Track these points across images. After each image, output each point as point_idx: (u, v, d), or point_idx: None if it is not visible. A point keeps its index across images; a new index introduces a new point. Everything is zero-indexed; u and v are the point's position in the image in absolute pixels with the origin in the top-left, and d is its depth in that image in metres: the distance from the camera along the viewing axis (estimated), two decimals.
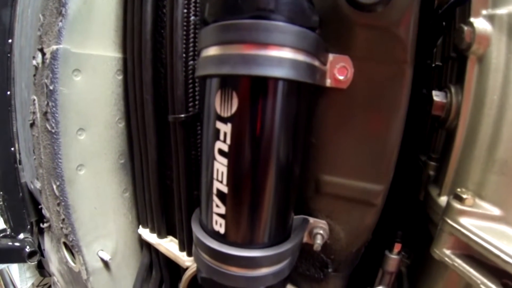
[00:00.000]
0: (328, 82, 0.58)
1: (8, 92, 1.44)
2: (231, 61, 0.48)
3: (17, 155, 1.48)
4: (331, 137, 0.63)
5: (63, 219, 0.89)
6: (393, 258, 0.80)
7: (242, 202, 0.53)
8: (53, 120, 0.84)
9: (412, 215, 0.91)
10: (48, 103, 0.84)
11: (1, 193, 1.47)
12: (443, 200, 0.65)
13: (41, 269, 1.66)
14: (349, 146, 0.62)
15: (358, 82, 0.58)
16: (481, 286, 0.53)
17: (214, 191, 0.54)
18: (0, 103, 1.43)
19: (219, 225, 0.55)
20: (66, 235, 0.91)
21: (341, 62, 0.57)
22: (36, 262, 1.61)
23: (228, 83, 0.50)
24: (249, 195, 0.52)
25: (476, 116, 0.58)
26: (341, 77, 0.58)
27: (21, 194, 1.46)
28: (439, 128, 0.74)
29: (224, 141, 0.51)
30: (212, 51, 0.51)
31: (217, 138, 0.52)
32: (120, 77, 0.94)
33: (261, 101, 0.49)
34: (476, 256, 0.56)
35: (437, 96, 0.67)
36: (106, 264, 0.96)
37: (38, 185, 1.01)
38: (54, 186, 0.87)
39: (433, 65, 0.95)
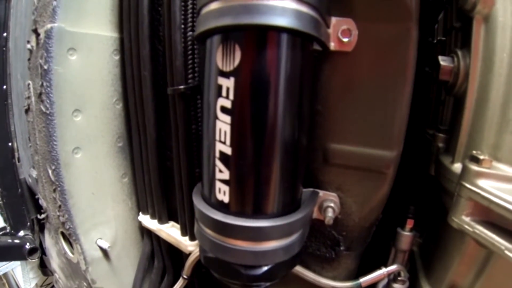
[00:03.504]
0: (332, 46, 0.55)
1: (4, 87, 1.41)
2: (233, 12, 0.45)
3: (15, 151, 1.45)
4: (338, 103, 0.60)
5: (60, 206, 0.84)
6: (406, 235, 0.76)
7: (247, 164, 0.48)
8: (48, 101, 0.80)
9: (422, 192, 0.86)
10: (42, 84, 0.81)
11: (0, 189, 1.43)
12: (457, 167, 0.61)
13: (44, 268, 1.62)
14: (356, 111, 0.59)
15: (363, 45, 0.55)
16: (506, 251, 0.49)
17: (217, 154, 0.49)
18: None
19: (223, 193, 0.50)
20: (63, 223, 0.87)
21: (344, 24, 0.54)
22: (37, 260, 1.57)
23: (230, 36, 0.47)
24: (254, 154, 0.48)
25: (487, 76, 0.55)
26: (345, 39, 0.55)
27: (20, 190, 1.42)
28: (447, 95, 0.71)
29: (227, 97, 0.47)
30: (213, 5, 0.48)
31: (219, 95, 0.48)
32: (117, 57, 0.90)
33: (265, 52, 0.46)
34: (497, 222, 0.53)
35: (444, 61, 0.64)
36: (105, 253, 0.92)
37: (34, 173, 0.97)
38: (50, 171, 0.83)
39: (435, 41, 0.93)
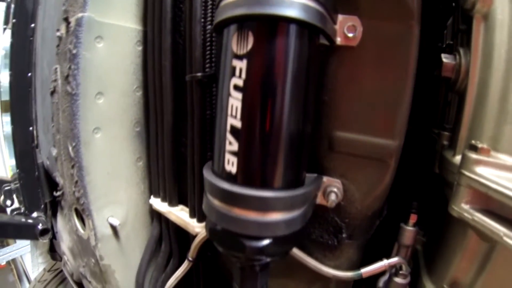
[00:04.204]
0: (338, 40, 0.60)
1: (29, 74, 1.49)
2: (248, 3, 0.51)
3: (35, 135, 1.52)
4: (343, 94, 0.64)
5: (76, 182, 0.89)
6: (409, 230, 0.78)
7: (255, 136, 0.53)
8: (74, 82, 0.86)
9: (427, 190, 0.88)
10: (70, 67, 0.87)
11: (18, 171, 1.50)
12: (458, 159, 0.64)
13: (53, 252, 1.68)
14: (360, 102, 0.63)
15: (367, 40, 0.60)
16: (504, 238, 0.51)
17: (228, 127, 0.54)
18: (21, 84, 1.48)
19: (231, 164, 0.54)
20: (78, 199, 0.92)
21: (350, 21, 0.60)
22: (48, 242, 1.62)
23: (244, 25, 0.53)
24: (261, 127, 0.52)
25: (486, 71, 0.59)
26: (350, 35, 0.60)
27: (37, 174, 1.48)
28: (450, 91, 0.75)
29: (240, 76, 0.53)
30: None
31: (233, 75, 0.54)
32: (140, 48, 0.96)
33: (274, 39, 0.52)
34: (496, 211, 0.55)
35: (446, 58, 0.69)
36: (115, 231, 0.96)
37: (54, 152, 1.03)
38: (70, 148, 0.89)
39: (444, 45, 0.96)
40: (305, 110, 0.57)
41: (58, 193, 1.07)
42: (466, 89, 0.62)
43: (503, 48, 0.56)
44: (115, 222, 0.92)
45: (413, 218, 0.77)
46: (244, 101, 0.52)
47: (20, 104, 1.49)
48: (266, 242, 0.57)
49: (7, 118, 1.94)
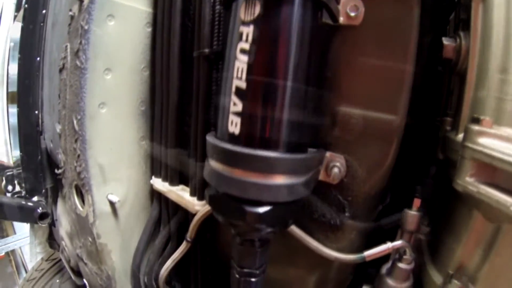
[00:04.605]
0: (341, 20, 0.62)
1: (38, 58, 1.51)
2: None
3: (40, 120, 1.53)
4: (345, 71, 0.65)
5: (79, 156, 0.90)
6: (413, 215, 0.76)
7: (258, 94, 0.54)
8: (83, 57, 0.87)
9: (431, 178, 0.88)
10: (81, 42, 0.89)
11: (21, 154, 1.51)
12: (461, 137, 0.63)
13: (52, 240, 1.67)
14: (363, 78, 0.65)
15: (369, 19, 0.61)
16: (511, 207, 0.50)
17: (233, 89, 0.55)
18: (29, 67, 1.51)
19: (234, 125, 0.55)
20: (79, 174, 0.92)
21: (352, 2, 0.61)
22: (47, 230, 1.62)
23: None
24: (265, 87, 0.53)
25: (485, 49, 0.59)
26: (352, 14, 0.61)
27: (39, 158, 1.49)
28: (451, 74, 0.76)
29: (246, 41, 0.54)
30: None
31: (240, 40, 0.55)
32: (149, 30, 0.98)
33: (279, 7, 0.54)
34: (501, 184, 0.54)
35: (447, 41, 0.70)
36: (114, 209, 0.96)
37: (58, 128, 1.04)
38: (75, 121, 0.89)
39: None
40: (307, 75, 0.57)
41: (60, 171, 1.07)
42: (467, 68, 0.64)
43: (500, 26, 0.57)
44: (115, 198, 0.92)
45: (416, 202, 0.75)
46: (249, 62, 0.53)
47: (27, 89, 1.51)
48: (267, 208, 0.56)
49: (13, 110, 1.97)
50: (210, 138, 0.60)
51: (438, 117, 0.92)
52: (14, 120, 1.99)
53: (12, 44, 2.14)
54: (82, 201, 1.00)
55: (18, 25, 1.67)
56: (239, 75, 0.54)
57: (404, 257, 0.75)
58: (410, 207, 0.77)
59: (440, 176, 0.84)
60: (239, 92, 0.54)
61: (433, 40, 0.77)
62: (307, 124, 0.61)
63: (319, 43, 0.62)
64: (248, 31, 0.54)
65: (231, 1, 0.60)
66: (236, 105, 0.54)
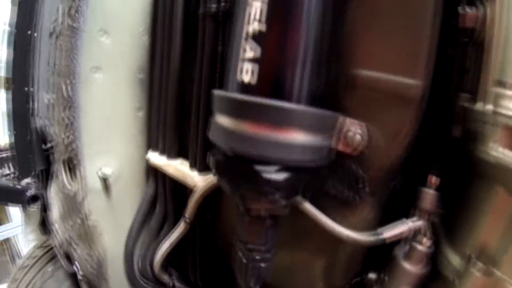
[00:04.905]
0: None
1: (29, 32, 1.42)
2: None
3: (30, 96, 1.44)
4: (364, 31, 0.59)
5: (68, 125, 0.82)
6: (430, 193, 0.68)
7: (281, 39, 0.46)
8: (77, 15, 0.79)
9: (445, 160, 0.81)
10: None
11: (14, 132, 1.42)
12: (488, 108, 0.60)
13: (44, 227, 1.59)
14: (382, 39, 0.58)
15: None
16: None
17: (251, 32, 0.47)
18: (20, 42, 1.42)
19: (251, 74, 0.47)
20: (68, 145, 0.83)
21: None
22: (39, 213, 1.54)
23: None
24: (287, 31, 0.46)
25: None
26: None
27: (29, 137, 1.40)
28: (470, 42, 0.71)
29: None
30: None
31: None
32: None
33: None
34: None
35: (469, 9, 0.65)
36: (106, 186, 0.88)
37: (46, 98, 0.95)
38: (64, 87, 0.81)
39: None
40: (330, 24, 0.51)
41: (49, 145, 0.99)
42: (491, 38, 0.61)
43: None
44: (108, 171, 0.84)
45: (435, 181, 0.68)
46: (269, 3, 0.46)
47: (20, 64, 1.42)
48: (284, 175, 0.49)
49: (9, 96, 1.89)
50: (217, 92, 0.52)
51: (451, 95, 0.87)
52: (9, 104, 1.91)
53: (9, 29, 2.06)
54: (71, 178, 0.92)
55: (15, 9, 1.59)
56: (258, 17, 0.46)
57: (424, 239, 0.69)
58: (424, 185, 0.70)
59: (454, 155, 0.79)
60: (258, 35, 0.46)
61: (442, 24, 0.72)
62: (329, 79, 0.54)
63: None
64: None
65: None
66: (253, 50, 0.46)
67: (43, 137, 1.39)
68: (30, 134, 1.43)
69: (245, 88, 0.47)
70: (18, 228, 3.14)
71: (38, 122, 1.37)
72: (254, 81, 0.47)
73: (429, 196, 0.69)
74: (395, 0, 0.57)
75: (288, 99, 0.46)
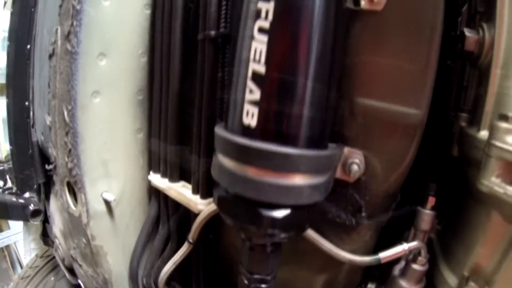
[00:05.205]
0: (363, 4, 0.56)
1: (28, 46, 1.42)
2: None
3: (31, 112, 1.45)
4: (367, 59, 0.59)
5: (70, 150, 0.82)
6: (427, 214, 0.71)
7: (281, 80, 0.46)
8: (75, 40, 0.79)
9: (443, 178, 0.82)
10: (72, 23, 0.80)
11: (11, 147, 1.42)
12: (483, 134, 0.61)
13: (46, 237, 1.60)
14: (384, 67, 0.59)
15: (392, 4, 0.55)
16: None
17: (250, 74, 0.47)
18: (19, 56, 1.41)
19: (251, 116, 0.47)
20: (70, 170, 0.84)
21: None
22: (41, 227, 1.54)
23: None
24: (288, 73, 0.45)
25: None
26: None
27: (30, 151, 1.40)
28: (472, 67, 0.73)
29: (266, 18, 0.46)
30: None
31: (257, 17, 0.47)
32: (148, 12, 0.89)
33: None
34: None
35: (470, 32, 0.66)
36: (109, 208, 0.88)
37: (48, 120, 0.95)
38: (65, 112, 0.81)
39: (458, 33, 0.94)
40: (332, 60, 0.50)
41: (51, 166, 0.99)
42: (491, 63, 0.61)
43: None
44: (110, 197, 0.84)
45: (431, 201, 0.71)
46: (270, 43, 0.45)
47: (17, 77, 1.42)
48: (285, 212, 0.49)
49: (3, 102, 1.88)
50: (219, 131, 0.52)
51: (449, 111, 0.88)
52: (5, 112, 1.90)
53: (5, 34, 2.04)
54: (75, 199, 0.93)
55: (8, 13, 1.57)
56: (257, 58, 0.46)
57: (419, 258, 0.72)
58: (422, 205, 0.73)
59: (453, 173, 0.80)
60: (257, 77, 0.46)
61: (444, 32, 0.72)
62: (329, 116, 0.54)
63: (341, 26, 0.55)
64: (267, 7, 0.46)
65: None
66: (253, 92, 0.46)
67: (43, 151, 1.39)
68: (31, 148, 1.43)
69: (246, 130, 0.47)
70: (17, 235, 3.16)
71: (39, 136, 1.37)
72: (254, 124, 0.46)
73: (426, 216, 0.72)
74: (398, 31, 0.57)
75: (290, 143, 0.46)
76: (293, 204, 0.49)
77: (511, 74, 0.57)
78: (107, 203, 0.86)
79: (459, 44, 0.70)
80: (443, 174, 0.86)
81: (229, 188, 0.51)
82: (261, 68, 0.46)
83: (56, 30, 0.92)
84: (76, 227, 0.94)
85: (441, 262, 0.75)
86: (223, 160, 0.51)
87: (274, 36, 0.45)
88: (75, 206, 0.91)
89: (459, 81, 0.85)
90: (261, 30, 0.46)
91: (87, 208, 0.85)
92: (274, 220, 0.49)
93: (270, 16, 0.46)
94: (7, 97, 1.44)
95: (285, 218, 0.50)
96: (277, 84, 0.46)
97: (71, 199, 0.93)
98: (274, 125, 0.46)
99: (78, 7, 0.79)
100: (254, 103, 0.46)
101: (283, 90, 0.46)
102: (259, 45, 0.46)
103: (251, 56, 0.47)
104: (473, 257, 0.65)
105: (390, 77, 0.59)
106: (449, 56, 0.84)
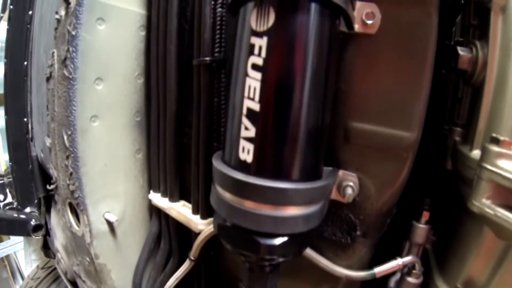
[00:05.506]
0: (356, 28, 0.56)
1: (25, 63, 1.42)
2: None
3: (29, 127, 1.46)
4: (360, 83, 0.61)
5: (71, 174, 0.83)
6: (422, 228, 0.74)
7: (275, 120, 0.47)
8: (72, 66, 0.80)
9: (438, 188, 0.84)
10: (68, 49, 0.81)
11: (11, 164, 1.43)
12: (475, 153, 0.62)
13: (46, 249, 1.61)
14: (378, 91, 0.60)
15: (386, 28, 0.56)
16: None
17: (244, 111, 0.48)
18: (16, 73, 1.42)
19: (246, 152, 0.49)
20: (72, 192, 0.85)
21: (368, 8, 0.56)
22: (40, 241, 1.56)
23: (265, 0, 0.48)
24: (282, 111, 0.47)
25: (505, 63, 0.57)
26: (369, 22, 0.56)
27: (30, 167, 1.41)
28: (465, 85, 0.73)
29: (259, 55, 0.48)
30: None
31: (251, 53, 0.49)
32: (143, 33, 0.90)
33: (297, 15, 0.47)
34: None
35: (463, 51, 0.66)
36: (111, 228, 0.90)
37: (48, 142, 0.97)
38: (65, 137, 0.82)
39: (452, 42, 0.93)
40: (326, 93, 0.52)
41: (52, 187, 1.00)
42: (484, 82, 0.61)
43: None
44: (112, 218, 0.86)
45: (425, 216, 0.73)
46: (264, 82, 0.47)
47: (15, 94, 1.43)
48: (282, 240, 0.51)
49: (1, 112, 1.88)
50: (217, 164, 0.54)
51: (443, 123, 0.89)
52: (2, 122, 1.90)
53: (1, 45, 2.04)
54: (77, 218, 0.94)
55: (4, 24, 1.58)
56: (251, 95, 0.47)
57: (413, 271, 0.75)
58: (417, 219, 0.75)
59: (447, 185, 0.81)
60: (251, 114, 0.48)
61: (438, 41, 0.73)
62: (323, 145, 0.56)
63: (335, 54, 0.56)
64: (261, 43, 0.47)
65: (238, 6, 0.53)
66: (248, 129, 0.48)
67: (42, 165, 1.40)
68: (31, 163, 1.44)
69: (242, 165, 0.49)
70: (17, 244, 3.17)
71: (39, 152, 1.38)
72: (250, 159, 0.48)
73: (420, 230, 0.74)
74: (391, 54, 0.58)
75: (285, 178, 0.48)
76: (289, 233, 0.51)
77: (503, 95, 0.57)
78: (110, 223, 0.88)
79: (452, 62, 0.70)
80: (438, 186, 0.88)
81: (228, 218, 0.53)
82: (255, 106, 0.47)
83: (53, 53, 0.93)
84: (80, 245, 0.96)
85: (435, 274, 0.77)
86: (222, 191, 0.53)
87: (267, 75, 0.47)
88: (78, 226, 0.93)
89: (454, 92, 0.86)
90: (254, 66, 0.48)
91: (90, 228, 0.87)
92: (271, 247, 0.51)
93: (263, 53, 0.47)
94: (6, 114, 1.45)
95: (282, 244, 0.52)
96: (271, 123, 0.47)
97: (74, 218, 0.95)
98: (269, 161, 0.48)
99: (73, 33, 0.80)
100: (249, 139, 0.48)
101: (277, 128, 0.47)
102: (253, 82, 0.48)
103: (246, 93, 0.48)
104: (466, 270, 0.66)
105: (382, 100, 0.60)
106: (443, 65, 0.85)
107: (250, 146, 0.48)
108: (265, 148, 0.48)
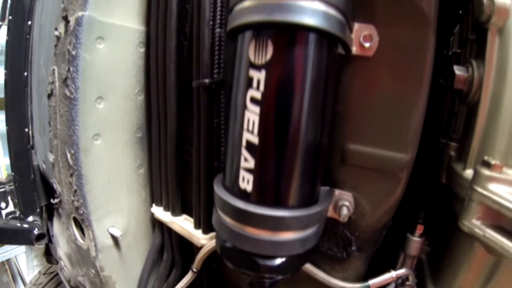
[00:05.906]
0: (354, 50, 0.58)
1: (25, 73, 1.43)
2: (267, 9, 0.47)
3: (31, 137, 1.47)
4: (357, 105, 0.62)
5: (75, 191, 0.85)
6: (416, 241, 0.77)
7: (274, 153, 0.49)
8: (73, 86, 0.81)
9: (433, 200, 0.86)
10: (69, 69, 0.82)
11: (13, 173, 1.45)
12: (468, 173, 0.63)
13: (49, 256, 1.63)
14: (374, 114, 0.61)
15: (383, 50, 0.57)
16: None
17: (243, 143, 0.50)
18: (16, 84, 1.43)
19: (246, 182, 0.51)
20: (77, 209, 0.88)
21: (366, 30, 0.57)
22: (44, 246, 1.58)
23: (263, 32, 0.49)
24: (280, 145, 0.49)
25: (500, 85, 0.58)
26: (366, 44, 0.57)
27: (32, 176, 1.43)
28: (461, 103, 0.73)
29: (257, 89, 0.49)
30: (246, 3, 0.50)
31: (249, 86, 0.50)
32: (142, 50, 0.92)
33: (296, 49, 0.48)
34: (507, 227, 0.54)
35: (459, 70, 0.66)
36: (116, 242, 0.92)
37: (51, 158, 0.98)
38: (69, 155, 0.84)
39: (450, 53, 0.94)
40: (324, 124, 0.54)
41: (56, 201, 1.02)
42: (479, 102, 0.61)
43: None
44: (116, 232, 0.88)
45: (419, 229, 0.76)
46: (262, 116, 0.48)
47: (15, 104, 1.44)
48: (280, 261, 0.54)
49: (2, 116, 1.89)
50: (218, 190, 0.56)
51: (439, 135, 0.90)
52: (3, 127, 1.91)
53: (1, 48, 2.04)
54: (82, 231, 0.96)
55: (4, 28, 1.58)
56: (250, 128, 0.49)
57: (407, 283, 0.77)
58: (411, 231, 0.78)
59: (442, 197, 0.83)
60: (250, 147, 0.50)
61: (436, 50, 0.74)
62: (320, 171, 0.58)
63: (332, 79, 0.57)
64: (259, 76, 0.49)
65: (237, 33, 0.54)
66: (247, 161, 0.50)
67: (44, 175, 1.42)
68: (33, 172, 1.46)
69: (242, 194, 0.51)
70: (18, 248, 3.19)
71: (40, 162, 1.40)
72: (250, 189, 0.50)
73: (414, 243, 0.77)
74: (388, 76, 0.59)
75: (283, 206, 0.50)
76: (285, 254, 0.53)
77: (497, 118, 0.59)
78: (114, 237, 0.90)
79: (449, 81, 0.71)
80: (434, 197, 0.90)
81: (229, 241, 0.55)
82: (254, 139, 0.49)
83: (53, 70, 0.95)
84: (85, 258, 0.99)
85: (429, 284, 0.80)
86: (223, 216, 0.55)
87: (265, 110, 0.48)
88: (83, 239, 0.95)
89: (451, 105, 0.86)
90: (253, 100, 0.49)
91: (95, 243, 0.89)
92: (270, 267, 0.54)
93: (262, 87, 0.48)
94: (7, 124, 1.47)
95: (280, 265, 0.54)
96: (270, 156, 0.49)
97: (79, 232, 0.97)
98: (268, 191, 0.50)
99: (73, 53, 0.82)
100: (249, 170, 0.50)
101: (276, 160, 0.49)
102: (252, 115, 0.49)
103: (245, 126, 0.50)
104: (458, 282, 0.69)
105: (379, 122, 0.61)
106: (441, 75, 0.86)
107: (249, 177, 0.50)
108: (264, 178, 0.50)
